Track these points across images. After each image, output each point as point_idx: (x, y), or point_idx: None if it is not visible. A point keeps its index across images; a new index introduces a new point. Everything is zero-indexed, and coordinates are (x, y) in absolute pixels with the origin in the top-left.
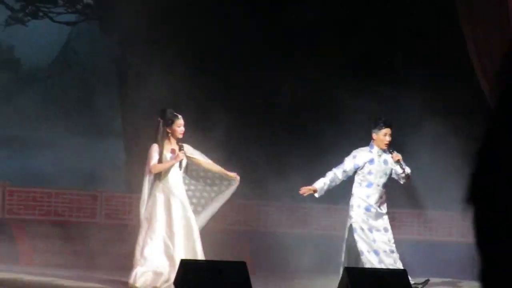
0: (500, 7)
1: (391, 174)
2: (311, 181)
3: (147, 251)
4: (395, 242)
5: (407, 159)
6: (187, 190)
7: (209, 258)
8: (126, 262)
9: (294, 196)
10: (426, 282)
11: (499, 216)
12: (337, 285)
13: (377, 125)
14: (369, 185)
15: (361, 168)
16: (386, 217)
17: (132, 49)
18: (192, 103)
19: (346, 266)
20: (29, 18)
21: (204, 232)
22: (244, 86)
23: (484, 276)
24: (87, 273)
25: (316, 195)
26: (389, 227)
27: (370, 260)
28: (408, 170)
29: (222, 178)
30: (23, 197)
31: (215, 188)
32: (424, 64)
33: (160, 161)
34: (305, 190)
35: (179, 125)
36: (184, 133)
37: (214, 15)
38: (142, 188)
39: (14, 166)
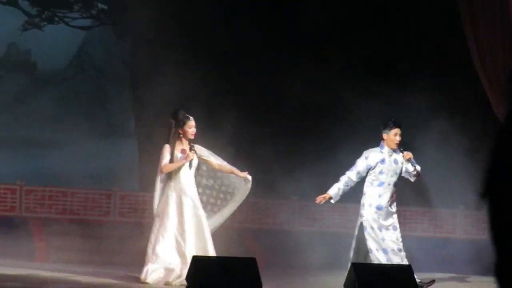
0: (500, 6)
1: (401, 173)
2: (319, 180)
3: (158, 248)
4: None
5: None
6: (203, 191)
7: (219, 255)
8: (139, 259)
9: (303, 194)
10: (432, 282)
11: None
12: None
13: (387, 126)
14: (381, 184)
15: (373, 168)
16: (395, 216)
17: (144, 52)
18: (202, 103)
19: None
20: (45, 23)
21: (215, 230)
22: (253, 86)
23: (500, 271)
24: (101, 269)
25: (332, 201)
26: (397, 225)
27: (378, 258)
28: (418, 167)
29: (236, 180)
30: (40, 196)
31: (230, 190)
32: (429, 65)
33: (171, 161)
34: (320, 199)
35: (191, 126)
36: (196, 134)
37: (223, 18)
38: (154, 187)
39: (31, 166)
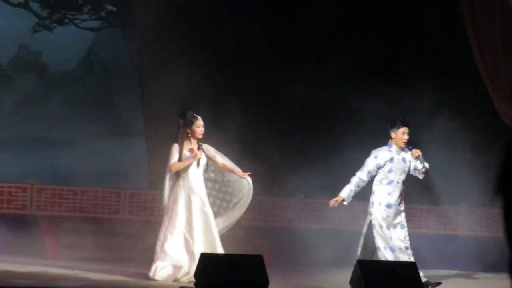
0: (500, 6)
1: (409, 171)
2: (325, 178)
3: (167, 246)
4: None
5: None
6: (209, 192)
7: (227, 252)
8: (148, 256)
9: (308, 192)
10: (439, 284)
11: None
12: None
13: (395, 125)
14: (390, 182)
15: (382, 167)
16: (403, 214)
17: (151, 53)
18: (208, 102)
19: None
20: (56, 24)
21: (222, 233)
22: (258, 86)
23: None
24: (111, 266)
25: (345, 203)
26: (405, 224)
27: (386, 256)
28: (427, 165)
29: (236, 179)
30: (50, 195)
31: (235, 192)
32: (430, 64)
33: (179, 160)
34: (333, 202)
35: (199, 126)
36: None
37: (228, 18)
38: (163, 185)
39: (42, 165)
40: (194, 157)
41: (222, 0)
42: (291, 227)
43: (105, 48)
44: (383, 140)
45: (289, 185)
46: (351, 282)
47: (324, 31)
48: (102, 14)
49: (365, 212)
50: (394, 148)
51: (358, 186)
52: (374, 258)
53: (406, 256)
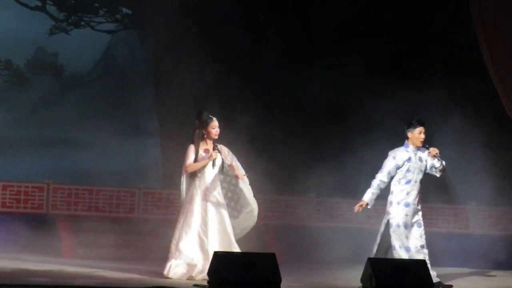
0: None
1: (425, 170)
2: (338, 176)
3: (182, 245)
4: None
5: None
6: (227, 192)
7: (240, 251)
8: (163, 254)
9: (321, 191)
10: (450, 287)
11: None
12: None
13: (412, 125)
14: (408, 182)
15: (400, 167)
16: (420, 213)
17: (166, 54)
18: (222, 103)
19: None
20: (72, 27)
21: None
22: (271, 86)
23: None
24: (126, 264)
25: (368, 206)
26: (422, 222)
27: (400, 255)
28: (444, 162)
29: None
30: (66, 194)
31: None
32: (442, 64)
33: (195, 160)
34: (357, 208)
35: (214, 127)
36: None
37: (242, 20)
38: (180, 185)
39: (58, 165)
40: (209, 158)
41: (235, 1)
42: (304, 226)
43: (120, 50)
44: (396, 139)
45: (302, 184)
46: (362, 280)
47: (337, 31)
48: (118, 16)
49: (378, 211)
50: (411, 147)
51: (380, 188)
52: (388, 257)
53: (422, 255)
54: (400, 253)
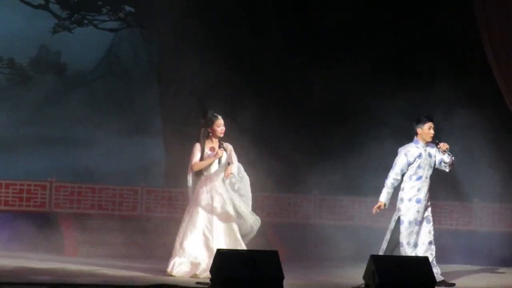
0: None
1: (434, 165)
2: (341, 174)
3: (186, 243)
4: None
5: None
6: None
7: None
8: (166, 252)
9: (323, 189)
10: (452, 285)
11: None
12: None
13: (421, 121)
14: (419, 178)
15: (412, 163)
16: (430, 209)
17: (169, 53)
18: (226, 102)
19: (382, 254)
20: (75, 25)
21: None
22: (275, 85)
23: None
24: (129, 262)
25: (386, 206)
26: (431, 218)
27: (407, 253)
28: (453, 157)
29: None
30: (69, 192)
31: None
32: (447, 64)
33: (201, 159)
34: (376, 210)
35: (219, 125)
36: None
37: (246, 18)
38: (187, 184)
39: (61, 163)
40: (215, 156)
41: (237, 1)
42: (307, 223)
43: (123, 48)
44: (398, 137)
45: (305, 182)
46: (364, 277)
47: (338, 31)
48: (121, 15)
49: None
50: (420, 143)
51: (394, 187)
52: (395, 253)
53: (429, 252)
54: (408, 250)
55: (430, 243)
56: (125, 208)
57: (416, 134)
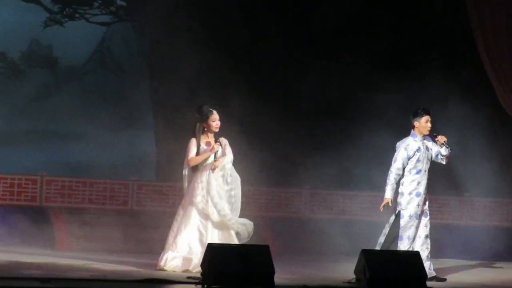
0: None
1: (431, 158)
2: (333, 168)
3: (179, 238)
4: None
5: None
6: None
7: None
8: (157, 247)
9: (315, 183)
10: (443, 280)
11: None
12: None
13: (418, 114)
14: (418, 172)
15: (411, 157)
16: (427, 202)
17: (161, 47)
18: (218, 96)
19: (379, 248)
20: (67, 19)
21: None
22: (269, 79)
23: None
24: (120, 257)
25: (392, 203)
26: (428, 212)
27: (406, 247)
28: (451, 150)
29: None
30: (60, 186)
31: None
32: (439, 57)
33: (197, 154)
34: (383, 207)
35: (214, 120)
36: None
37: (240, 13)
38: (183, 179)
39: (52, 157)
40: (211, 150)
41: None
42: (299, 218)
43: (115, 42)
44: (392, 131)
45: (297, 176)
46: (355, 272)
47: (334, 25)
48: (113, 8)
49: (371, 202)
50: (418, 137)
51: (397, 181)
52: (392, 247)
53: (425, 245)
54: (407, 244)
55: (426, 236)
56: (116, 203)
57: (413, 127)
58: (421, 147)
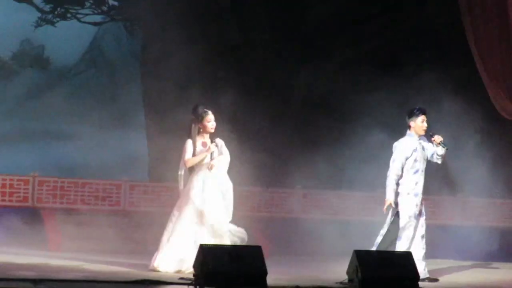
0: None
1: (427, 158)
2: (325, 168)
3: (173, 239)
4: None
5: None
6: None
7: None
8: (150, 247)
9: (307, 183)
10: (436, 280)
11: None
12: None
13: (414, 114)
14: (416, 172)
15: (409, 157)
16: (423, 202)
17: (153, 47)
18: (210, 96)
19: (376, 248)
20: (58, 19)
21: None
22: (262, 78)
23: None
24: (113, 258)
25: (394, 204)
26: (424, 211)
27: (405, 247)
28: (447, 149)
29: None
30: (52, 187)
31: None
32: (432, 57)
33: (194, 155)
34: (386, 209)
35: (209, 120)
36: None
37: (232, 12)
38: (178, 180)
39: (45, 158)
40: (207, 150)
41: None
42: (291, 218)
43: (107, 42)
44: (384, 130)
45: (290, 176)
46: (348, 272)
47: (326, 23)
48: (104, 8)
49: (363, 202)
50: (415, 137)
51: (397, 181)
52: (391, 248)
53: (421, 245)
54: (406, 244)
55: (422, 237)
56: (109, 203)
57: (409, 127)
58: (418, 147)
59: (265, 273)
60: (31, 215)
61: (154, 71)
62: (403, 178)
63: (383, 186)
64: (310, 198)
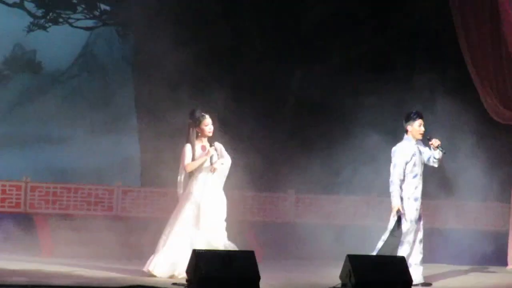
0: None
1: (423, 162)
2: (318, 172)
3: (170, 242)
4: None
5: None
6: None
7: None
8: (143, 252)
9: (300, 187)
10: (429, 285)
11: None
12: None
13: (411, 118)
14: (415, 176)
15: (409, 162)
16: (421, 206)
17: (145, 51)
18: (203, 99)
19: (380, 253)
20: (50, 24)
21: None
22: (255, 81)
23: None
24: (105, 263)
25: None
26: (422, 216)
27: (407, 251)
28: (445, 153)
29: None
30: (44, 192)
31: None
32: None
33: (193, 159)
34: (395, 215)
35: (207, 124)
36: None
37: (225, 15)
38: (177, 184)
39: (36, 162)
40: (206, 154)
41: None
42: (284, 222)
43: (99, 46)
44: (378, 133)
45: (283, 180)
46: (341, 277)
47: (318, 25)
48: (96, 13)
49: (356, 206)
50: (413, 141)
51: (401, 187)
52: (394, 253)
53: (419, 250)
54: (408, 249)
55: (420, 241)
56: (101, 208)
57: (406, 131)
58: (416, 151)
59: (258, 278)
60: (23, 220)
61: (146, 75)
62: (403, 183)
63: (377, 190)
64: (304, 202)
